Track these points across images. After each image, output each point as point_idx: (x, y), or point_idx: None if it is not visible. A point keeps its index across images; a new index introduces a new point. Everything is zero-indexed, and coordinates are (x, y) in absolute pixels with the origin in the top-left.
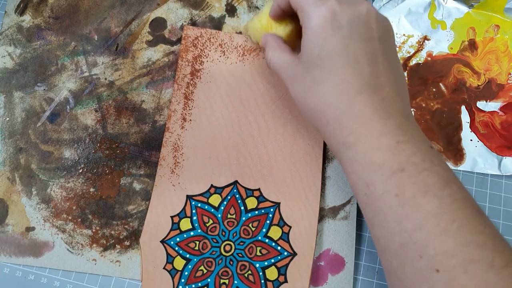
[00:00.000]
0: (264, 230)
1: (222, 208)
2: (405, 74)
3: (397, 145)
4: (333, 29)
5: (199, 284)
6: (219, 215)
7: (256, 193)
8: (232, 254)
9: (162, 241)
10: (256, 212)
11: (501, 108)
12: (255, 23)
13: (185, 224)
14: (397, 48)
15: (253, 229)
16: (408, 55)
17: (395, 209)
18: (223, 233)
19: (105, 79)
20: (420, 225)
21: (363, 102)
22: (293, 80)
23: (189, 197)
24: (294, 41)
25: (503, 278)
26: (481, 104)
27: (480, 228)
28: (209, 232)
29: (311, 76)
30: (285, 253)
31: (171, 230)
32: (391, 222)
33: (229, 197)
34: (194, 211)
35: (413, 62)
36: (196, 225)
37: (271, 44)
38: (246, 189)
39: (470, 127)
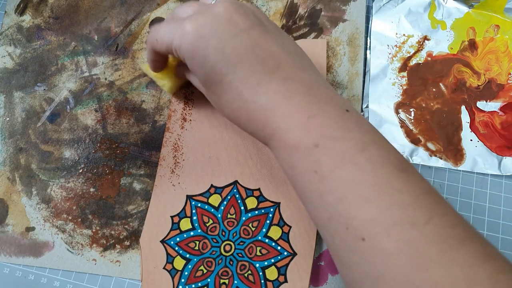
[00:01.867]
0: (264, 230)
1: (222, 208)
2: (405, 74)
3: (308, 120)
4: (203, 45)
5: (199, 284)
6: (219, 215)
7: (256, 193)
8: (232, 254)
9: (162, 241)
10: (256, 212)
11: (501, 108)
12: (163, 84)
13: (185, 224)
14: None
15: (253, 229)
16: (408, 55)
17: (316, 185)
18: (223, 233)
19: (105, 79)
20: (341, 197)
21: (264, 92)
22: (207, 98)
23: (189, 197)
24: None
25: (425, 235)
26: (481, 104)
27: (401, 187)
28: (209, 232)
29: (213, 93)
30: (285, 253)
31: (171, 230)
32: (316, 199)
33: (229, 197)
34: (194, 211)
35: (413, 62)
36: (196, 225)
37: (183, 69)
38: (246, 189)
39: (470, 127)
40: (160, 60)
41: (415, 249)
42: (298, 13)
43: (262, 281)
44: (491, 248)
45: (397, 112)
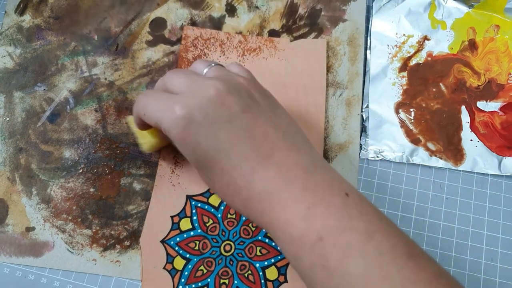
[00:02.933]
0: (264, 230)
1: (222, 208)
2: (405, 74)
3: (308, 211)
4: (194, 131)
5: (199, 284)
6: (219, 215)
7: None
8: (232, 254)
9: (162, 241)
10: None
11: (501, 108)
12: (145, 145)
13: (185, 224)
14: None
15: (253, 228)
16: (408, 55)
17: (326, 281)
18: (223, 233)
19: (105, 79)
20: None
21: (260, 179)
22: (200, 176)
23: (189, 197)
24: None
25: None
26: (481, 104)
27: (413, 276)
28: (209, 232)
29: (203, 176)
30: None
31: (171, 230)
32: None
33: None
34: (194, 211)
35: (413, 62)
36: (196, 225)
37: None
38: None
39: (470, 127)
40: (147, 125)
41: None
42: (298, 13)
43: (262, 281)
44: None
45: (397, 112)
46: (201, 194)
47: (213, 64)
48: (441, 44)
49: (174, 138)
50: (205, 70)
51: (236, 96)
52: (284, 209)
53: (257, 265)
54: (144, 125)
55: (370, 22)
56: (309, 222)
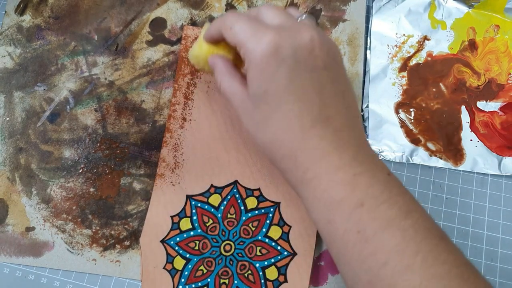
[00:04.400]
0: (264, 229)
1: (222, 207)
2: (405, 74)
3: (354, 178)
4: (276, 63)
5: (199, 284)
6: (219, 215)
7: (256, 193)
8: (232, 254)
9: (162, 241)
10: (256, 211)
11: (501, 108)
12: (195, 50)
13: (185, 224)
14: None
15: (253, 228)
16: (408, 55)
17: (359, 247)
18: (223, 233)
19: (105, 79)
20: (384, 262)
21: (316, 136)
22: (244, 113)
23: (189, 197)
24: (241, 61)
25: None
26: (481, 104)
27: (444, 256)
28: (209, 232)
29: (260, 112)
30: (285, 253)
31: (171, 230)
32: (356, 261)
33: (229, 197)
34: (194, 211)
35: (413, 62)
36: (196, 225)
37: (219, 67)
38: (246, 188)
39: (470, 127)
40: (217, 41)
41: None
42: None
43: (262, 281)
44: None
45: (397, 112)
46: (201, 194)
47: (306, 14)
48: (441, 44)
49: (252, 60)
50: (302, 17)
51: (325, 52)
52: (331, 170)
53: (257, 265)
54: (216, 39)
55: (370, 22)
56: (353, 188)
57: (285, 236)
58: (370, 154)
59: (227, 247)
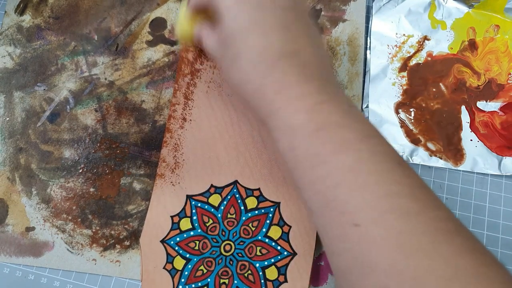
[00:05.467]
0: (264, 229)
1: (222, 207)
2: (405, 74)
3: (315, 106)
4: (240, 5)
5: (199, 284)
6: (219, 215)
7: (256, 193)
8: (232, 254)
9: (162, 241)
10: (256, 211)
11: (501, 108)
12: (180, 24)
13: (185, 224)
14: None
15: (253, 228)
16: (408, 55)
17: (316, 168)
18: (223, 233)
19: (105, 79)
20: (339, 182)
21: (281, 69)
22: (220, 58)
23: (189, 197)
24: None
25: (416, 226)
26: (481, 104)
27: (398, 178)
28: (209, 232)
29: (230, 53)
30: (285, 253)
31: (171, 230)
32: (314, 183)
33: (229, 197)
34: (194, 210)
35: (413, 62)
36: (196, 224)
37: (204, 30)
38: (246, 188)
39: (470, 127)
40: (199, 12)
41: (405, 238)
42: None
43: (262, 281)
44: (475, 242)
45: (397, 112)
46: (201, 194)
47: None
48: (441, 44)
49: (220, 6)
50: None
51: None
52: (294, 101)
53: (257, 265)
54: (197, 9)
55: (370, 22)
56: (313, 115)
57: (285, 236)
58: (335, 88)
59: (227, 247)
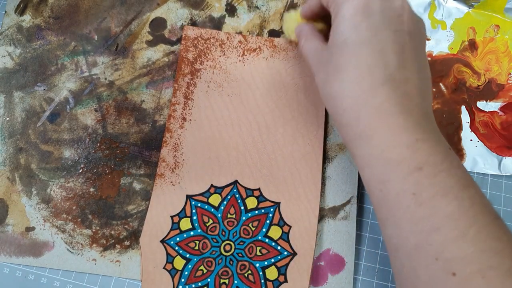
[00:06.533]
0: (264, 229)
1: (222, 207)
2: None
3: (416, 142)
4: (363, 17)
5: (199, 284)
6: (219, 215)
7: (256, 193)
8: (232, 254)
9: (162, 241)
10: (256, 211)
11: (501, 108)
12: (291, 15)
13: (185, 224)
14: None
15: (253, 228)
16: None
17: (412, 209)
18: (223, 233)
19: (105, 79)
20: (437, 227)
21: (385, 94)
22: (318, 65)
23: (189, 197)
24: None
25: None
26: (481, 104)
27: (499, 234)
28: (209, 232)
29: (334, 62)
30: (285, 253)
31: (171, 230)
32: (407, 222)
33: (229, 197)
34: (194, 210)
35: None
36: (196, 224)
37: (304, 32)
38: (246, 188)
39: (470, 127)
40: (311, 13)
41: None
42: None
43: (262, 281)
44: None
45: None
46: (201, 194)
47: None
48: (441, 44)
49: (343, 15)
50: None
51: (413, 21)
52: (395, 131)
53: (257, 265)
54: (311, 17)
55: None
56: (414, 152)
57: (285, 236)
58: (434, 125)
59: (227, 247)
